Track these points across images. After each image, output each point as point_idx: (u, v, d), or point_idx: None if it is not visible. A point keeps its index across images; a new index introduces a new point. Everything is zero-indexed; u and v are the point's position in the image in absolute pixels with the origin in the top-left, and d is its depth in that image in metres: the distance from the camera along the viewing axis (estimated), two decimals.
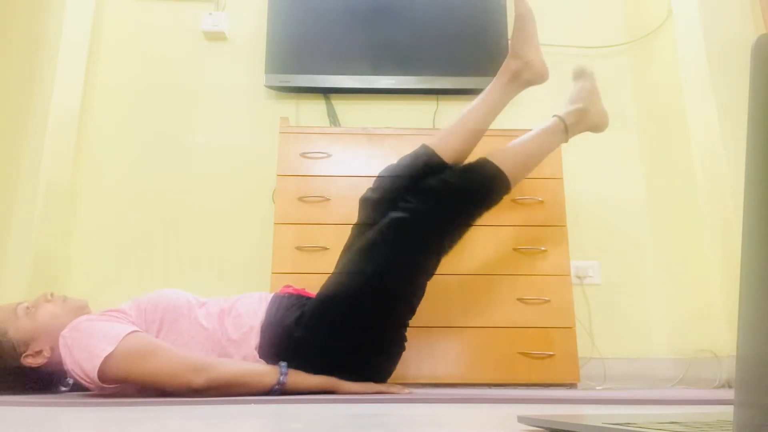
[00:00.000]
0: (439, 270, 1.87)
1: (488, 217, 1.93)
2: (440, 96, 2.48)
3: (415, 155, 1.55)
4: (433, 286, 1.85)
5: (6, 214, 2.05)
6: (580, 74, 1.73)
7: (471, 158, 1.63)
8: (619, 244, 2.34)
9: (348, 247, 1.53)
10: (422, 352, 1.82)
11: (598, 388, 1.97)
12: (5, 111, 2.15)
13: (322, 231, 1.91)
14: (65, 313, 1.33)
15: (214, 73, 2.51)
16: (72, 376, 1.22)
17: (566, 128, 1.64)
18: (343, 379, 1.31)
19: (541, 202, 1.96)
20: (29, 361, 1.29)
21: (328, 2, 2.45)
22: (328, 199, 1.95)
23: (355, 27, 2.43)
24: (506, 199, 1.94)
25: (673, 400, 1.07)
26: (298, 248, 1.90)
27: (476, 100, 1.64)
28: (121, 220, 2.34)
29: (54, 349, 1.28)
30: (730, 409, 0.71)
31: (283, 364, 1.28)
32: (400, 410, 0.87)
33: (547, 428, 0.56)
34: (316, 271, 1.87)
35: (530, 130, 1.96)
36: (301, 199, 1.95)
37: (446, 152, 1.54)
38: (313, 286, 1.50)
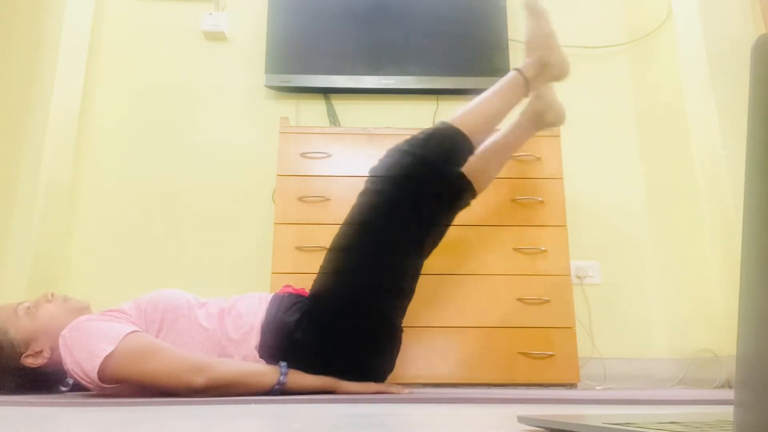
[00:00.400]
0: (439, 270, 1.88)
1: (488, 217, 1.94)
2: (440, 96, 2.48)
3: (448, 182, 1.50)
4: (433, 286, 1.86)
5: (6, 214, 2.05)
6: (533, 10, 1.63)
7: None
8: (619, 244, 2.34)
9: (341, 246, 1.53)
10: (422, 352, 1.82)
11: (598, 388, 1.97)
12: (5, 111, 2.15)
13: (322, 231, 1.91)
14: (66, 313, 1.33)
15: (214, 73, 2.51)
16: (72, 376, 1.22)
17: (526, 81, 1.58)
18: (342, 379, 1.31)
19: (541, 202, 1.96)
20: (29, 362, 1.29)
21: (328, 2, 2.45)
22: (328, 199, 1.95)
23: (355, 27, 2.43)
24: (506, 199, 1.95)
25: (673, 400, 1.07)
26: (298, 248, 1.90)
27: (496, 137, 1.65)
28: (121, 219, 2.34)
29: (54, 349, 1.28)
30: (730, 409, 0.71)
31: (283, 364, 1.28)
32: (400, 410, 0.87)
33: (547, 428, 0.56)
34: (316, 271, 1.86)
35: None
36: (301, 199, 1.95)
37: (476, 178, 1.53)
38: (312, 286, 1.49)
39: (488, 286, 1.89)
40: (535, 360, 1.83)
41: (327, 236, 1.89)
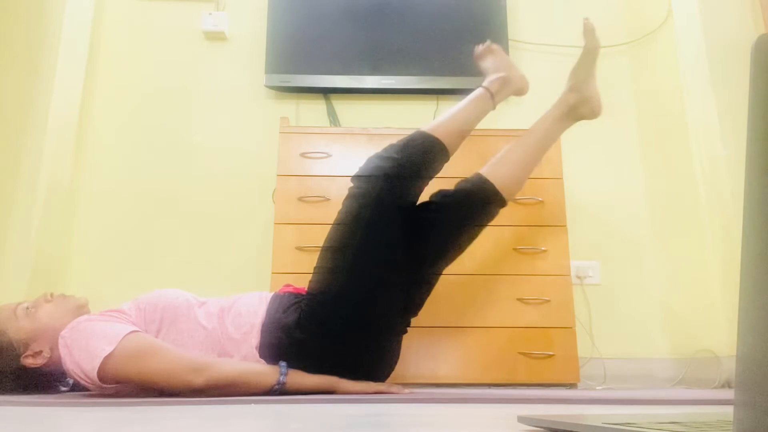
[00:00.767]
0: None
1: None
2: (440, 96, 2.48)
3: (475, 188, 1.54)
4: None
5: (6, 214, 2.05)
6: (487, 53, 1.74)
7: (468, 158, 1.62)
8: (619, 244, 2.34)
9: (337, 247, 1.53)
10: (422, 352, 1.82)
11: (598, 388, 1.97)
12: (5, 111, 2.15)
13: (322, 231, 1.90)
14: (65, 313, 1.33)
15: (214, 73, 2.51)
16: (72, 376, 1.22)
17: (492, 96, 1.68)
18: (342, 378, 1.31)
19: (541, 202, 1.96)
20: (29, 362, 1.29)
21: (328, 2, 2.45)
22: (328, 199, 1.94)
23: (355, 27, 2.43)
24: None
25: (673, 400, 1.07)
26: (298, 248, 1.90)
27: (529, 131, 1.67)
28: (121, 219, 2.34)
29: (54, 349, 1.28)
30: (730, 409, 0.71)
31: (283, 363, 1.28)
32: (400, 410, 0.87)
33: (547, 428, 0.56)
34: None
35: (528, 129, 1.96)
36: (301, 199, 1.95)
37: (499, 180, 1.56)
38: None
39: (488, 286, 1.89)
40: (535, 360, 1.83)
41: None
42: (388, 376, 1.45)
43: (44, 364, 1.30)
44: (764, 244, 0.33)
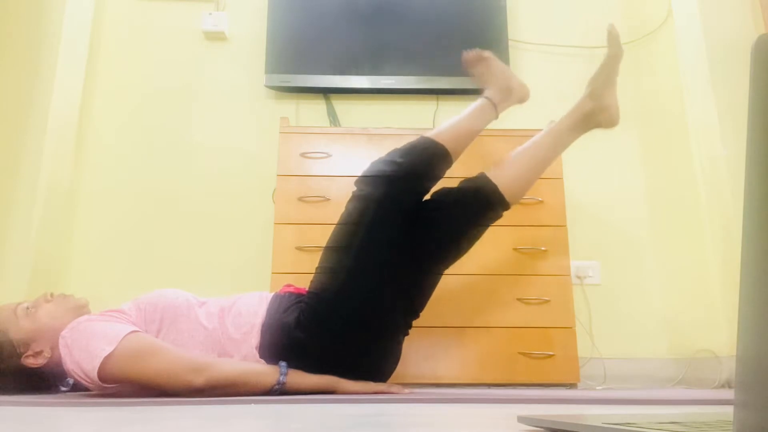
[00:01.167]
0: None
1: None
2: (440, 96, 2.48)
3: (477, 188, 1.54)
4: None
5: (6, 214, 2.05)
6: (477, 61, 1.72)
7: (471, 158, 1.62)
8: (619, 244, 2.34)
9: (341, 246, 1.53)
10: (422, 352, 1.82)
11: (598, 388, 1.97)
12: (5, 111, 2.15)
13: (322, 231, 1.91)
14: (65, 313, 1.33)
15: (214, 73, 2.51)
16: (72, 376, 1.22)
17: (494, 106, 1.67)
18: (342, 378, 1.31)
19: (541, 202, 1.96)
20: (30, 362, 1.29)
21: (328, 2, 2.45)
22: (328, 199, 1.95)
23: (355, 27, 2.43)
24: None
25: (673, 400, 1.07)
26: (298, 248, 1.90)
27: (541, 135, 1.64)
28: (121, 220, 2.34)
29: (54, 349, 1.28)
30: (730, 409, 0.71)
31: (283, 363, 1.28)
32: (400, 410, 0.87)
33: (547, 428, 0.56)
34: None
35: (535, 129, 1.97)
36: (301, 199, 1.95)
37: (507, 186, 1.55)
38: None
39: (488, 286, 1.89)
40: (535, 360, 1.83)
41: (327, 236, 1.89)
42: (388, 376, 1.45)
43: (45, 364, 1.30)
44: (764, 244, 0.33)
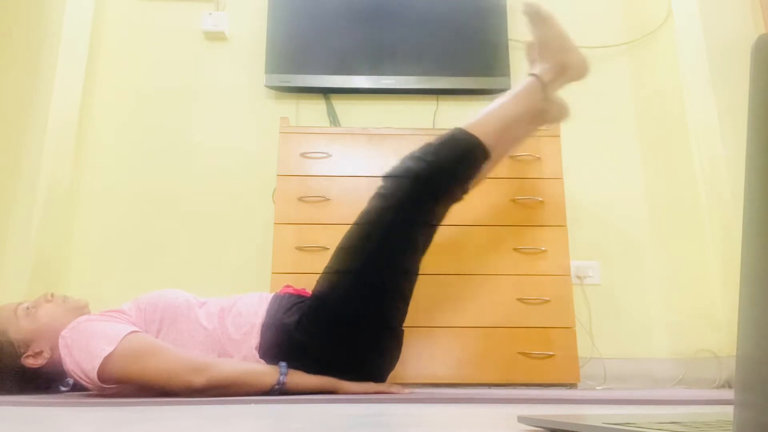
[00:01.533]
0: (439, 270, 1.87)
1: (488, 217, 1.94)
2: (440, 96, 2.48)
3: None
4: (433, 286, 1.86)
5: (6, 214, 2.05)
6: (535, 17, 1.53)
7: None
8: (619, 244, 2.34)
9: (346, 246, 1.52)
10: (422, 352, 1.82)
11: (598, 388, 1.97)
12: (5, 111, 2.15)
13: (322, 231, 1.91)
14: (65, 313, 1.33)
15: (214, 73, 2.51)
16: (72, 376, 1.22)
17: (544, 86, 1.51)
18: (342, 379, 1.31)
19: (541, 202, 1.96)
20: (30, 362, 1.29)
21: (328, 2, 2.45)
22: (328, 199, 1.95)
23: (355, 27, 2.43)
24: (506, 198, 1.94)
25: (673, 400, 1.07)
26: (298, 248, 1.90)
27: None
28: (121, 220, 2.34)
29: (54, 349, 1.28)
30: (730, 409, 0.71)
31: (283, 364, 1.28)
32: (400, 410, 0.87)
33: (547, 428, 0.56)
34: (316, 271, 1.84)
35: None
36: (301, 199, 1.95)
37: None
38: (313, 286, 1.49)
39: (488, 286, 1.89)
40: (535, 360, 1.83)
41: (327, 236, 1.90)
42: (388, 374, 1.45)
43: (45, 364, 1.30)
44: (764, 244, 0.33)
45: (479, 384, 1.82)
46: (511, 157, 1.95)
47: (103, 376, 1.17)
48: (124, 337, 1.20)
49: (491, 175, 1.78)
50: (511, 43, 2.46)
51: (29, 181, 2.08)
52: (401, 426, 0.64)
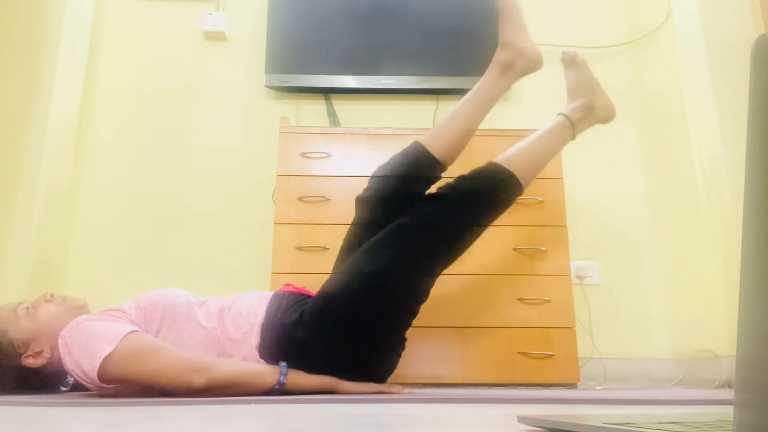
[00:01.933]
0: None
1: None
2: (440, 96, 2.48)
3: (407, 153, 1.53)
4: (433, 286, 1.85)
5: (6, 214, 2.05)
6: (571, 63, 1.66)
7: (467, 156, 1.62)
8: (619, 244, 2.34)
9: (346, 248, 1.53)
10: (422, 352, 1.82)
11: (598, 388, 1.97)
12: (5, 111, 2.15)
13: (322, 231, 1.91)
14: (65, 313, 1.33)
15: (214, 73, 2.51)
16: (72, 376, 1.22)
17: (572, 125, 1.60)
18: (343, 379, 1.31)
19: (541, 202, 1.96)
20: (30, 362, 1.29)
21: (328, 2, 2.45)
22: (328, 199, 1.94)
23: (355, 27, 2.43)
24: None
25: (673, 400, 1.07)
26: (298, 248, 1.90)
27: (468, 95, 1.59)
28: (121, 220, 2.34)
29: (54, 349, 1.28)
30: (730, 409, 0.71)
31: (283, 364, 1.28)
32: (400, 410, 0.87)
33: (547, 428, 0.56)
34: (316, 271, 1.87)
35: (528, 129, 1.97)
36: (301, 199, 1.95)
37: (438, 148, 1.52)
38: (313, 286, 1.50)
39: (488, 286, 1.89)
40: (535, 360, 1.83)
41: (327, 236, 1.90)
42: (388, 376, 1.45)
43: (45, 364, 1.30)
44: (764, 244, 0.33)
45: (479, 384, 1.82)
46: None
47: (103, 375, 1.17)
48: (124, 336, 1.20)
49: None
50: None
51: (29, 181, 2.08)
52: (401, 426, 0.64)
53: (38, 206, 2.07)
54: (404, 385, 1.48)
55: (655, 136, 2.41)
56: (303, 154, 2.00)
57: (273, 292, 1.46)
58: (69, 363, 1.20)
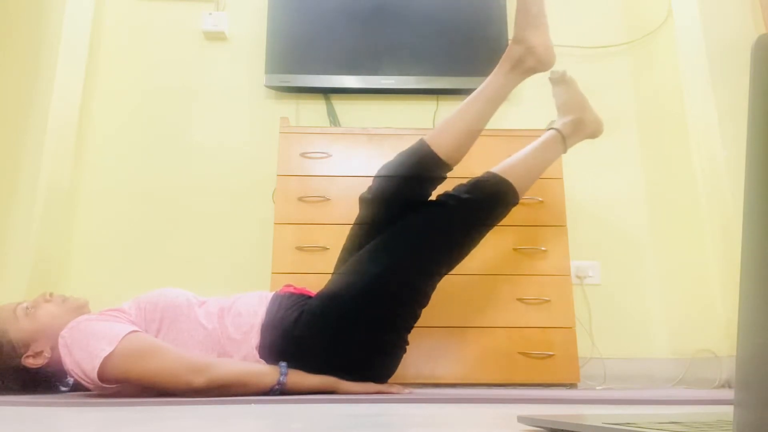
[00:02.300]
0: None
1: None
2: (440, 96, 2.48)
3: (411, 152, 1.53)
4: (434, 290, 1.85)
5: (6, 214, 2.05)
6: (560, 81, 1.71)
7: (468, 158, 1.63)
8: (619, 244, 2.34)
9: (348, 248, 1.53)
10: (422, 352, 1.82)
11: (598, 388, 1.97)
12: (5, 111, 2.15)
13: (322, 231, 1.91)
14: (65, 313, 1.33)
15: (214, 73, 2.51)
16: (72, 376, 1.22)
17: (564, 139, 1.65)
18: (343, 379, 1.31)
19: (541, 202, 1.96)
20: (30, 362, 1.29)
21: (329, 2, 2.45)
22: (328, 199, 1.94)
23: (355, 27, 2.43)
24: None
25: (673, 400, 1.07)
26: (298, 248, 1.90)
27: (475, 92, 1.55)
28: (121, 220, 2.34)
29: (54, 349, 1.28)
30: (730, 409, 0.71)
31: (283, 364, 1.28)
32: (400, 410, 0.87)
33: (547, 428, 0.56)
34: (316, 271, 1.87)
35: (528, 129, 1.97)
36: (301, 199, 1.95)
37: (443, 148, 1.50)
38: (313, 286, 1.50)
39: (488, 286, 1.89)
40: (535, 360, 1.83)
41: (327, 236, 1.90)
42: (389, 376, 1.45)
43: (45, 364, 1.30)
44: (764, 244, 0.33)
45: (479, 384, 1.82)
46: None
47: (103, 375, 1.17)
48: (124, 336, 1.20)
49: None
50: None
51: (29, 181, 2.08)
52: (401, 426, 0.64)
53: (38, 206, 2.07)
54: (404, 385, 1.48)
55: (655, 136, 2.41)
56: (303, 154, 2.00)
57: (273, 292, 1.46)
58: (69, 363, 1.20)
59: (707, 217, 2.08)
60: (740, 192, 1.94)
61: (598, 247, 2.33)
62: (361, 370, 1.36)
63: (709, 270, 2.07)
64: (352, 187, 1.95)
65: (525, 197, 1.94)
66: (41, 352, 1.29)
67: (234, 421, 0.70)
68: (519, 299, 1.88)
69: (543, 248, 1.92)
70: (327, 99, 2.47)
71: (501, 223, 1.93)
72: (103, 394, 1.24)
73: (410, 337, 1.49)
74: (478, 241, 1.53)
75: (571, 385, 1.84)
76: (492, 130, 2.06)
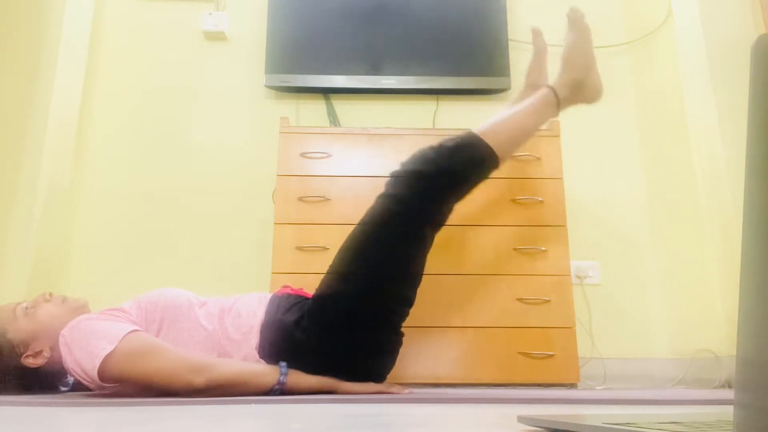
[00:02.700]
0: (439, 270, 1.88)
1: (488, 217, 1.94)
2: (440, 96, 2.48)
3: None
4: (433, 286, 1.86)
5: (6, 214, 2.05)
6: (576, 23, 1.57)
7: None
8: (619, 244, 2.34)
9: (344, 248, 1.52)
10: (422, 352, 1.82)
11: (598, 388, 1.97)
12: (5, 111, 2.15)
13: (322, 231, 1.91)
14: (64, 312, 1.33)
15: (214, 73, 2.51)
16: (72, 376, 1.22)
17: (558, 102, 1.54)
18: (342, 379, 1.31)
19: (541, 202, 1.96)
20: (30, 362, 1.29)
21: (328, 2, 2.45)
22: (328, 199, 1.94)
23: (355, 27, 2.43)
24: (506, 198, 1.95)
25: (673, 400, 1.07)
26: (298, 248, 1.90)
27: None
28: (121, 219, 2.34)
29: (54, 349, 1.28)
30: (730, 409, 0.71)
31: (283, 364, 1.28)
32: (400, 410, 0.87)
33: (547, 428, 0.56)
34: (316, 271, 1.86)
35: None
36: (301, 199, 1.95)
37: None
38: (312, 286, 1.49)
39: (488, 286, 1.89)
40: (535, 360, 1.83)
41: (327, 236, 1.90)
42: (387, 373, 1.45)
43: (44, 364, 1.30)
44: (764, 244, 0.33)
45: (479, 384, 1.82)
46: (511, 157, 1.95)
47: (103, 375, 1.17)
48: (125, 336, 1.20)
49: (491, 175, 1.79)
50: (511, 43, 2.46)
51: (29, 181, 2.08)
52: (401, 426, 0.64)
53: (38, 206, 2.07)
54: (404, 385, 1.48)
55: (655, 135, 2.41)
56: (303, 154, 2.00)
57: (271, 294, 1.46)
58: (69, 362, 1.20)
59: (707, 217, 2.08)
60: (740, 192, 1.94)
61: (598, 247, 2.33)
62: (360, 370, 1.36)
63: (709, 270, 2.08)
64: (352, 187, 1.95)
65: (525, 197, 1.94)
66: (41, 351, 1.29)
67: (234, 421, 0.70)
68: (519, 299, 1.88)
69: (543, 248, 1.92)
70: (327, 99, 2.47)
71: (501, 223, 1.94)
72: (104, 393, 1.24)
73: (410, 337, 1.49)
74: (453, 206, 1.44)
75: (571, 385, 1.84)
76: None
